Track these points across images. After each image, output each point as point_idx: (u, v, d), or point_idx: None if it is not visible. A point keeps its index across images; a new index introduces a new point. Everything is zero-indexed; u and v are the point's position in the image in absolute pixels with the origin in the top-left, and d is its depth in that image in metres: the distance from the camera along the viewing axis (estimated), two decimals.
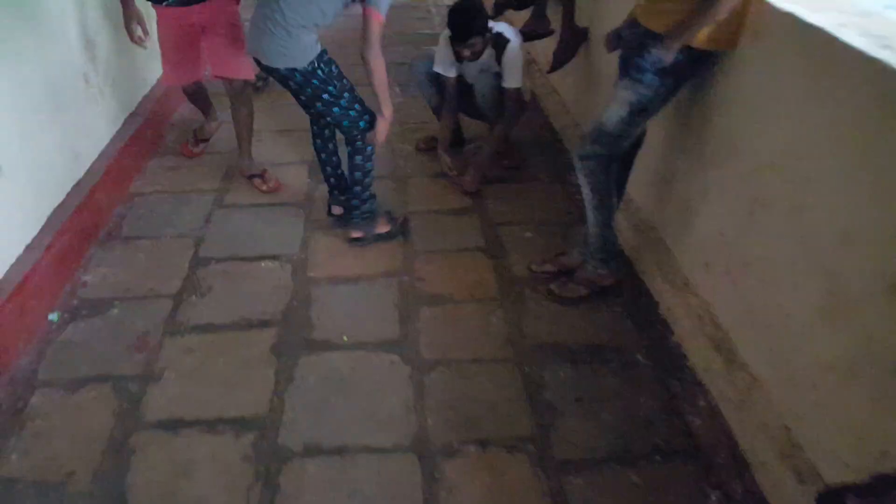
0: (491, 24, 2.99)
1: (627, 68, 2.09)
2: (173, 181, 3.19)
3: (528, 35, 3.56)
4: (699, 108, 2.19)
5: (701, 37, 1.93)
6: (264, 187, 3.10)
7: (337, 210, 2.91)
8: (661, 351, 2.23)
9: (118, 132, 3.16)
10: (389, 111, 2.53)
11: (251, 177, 3.14)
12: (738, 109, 1.99)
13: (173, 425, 1.95)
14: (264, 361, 2.18)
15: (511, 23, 4.27)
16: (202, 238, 2.78)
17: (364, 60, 2.35)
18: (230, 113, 3.07)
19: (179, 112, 3.82)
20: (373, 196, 2.77)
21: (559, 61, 3.35)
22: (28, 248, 2.32)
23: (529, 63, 4.28)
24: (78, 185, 2.72)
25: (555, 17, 3.46)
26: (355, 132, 2.55)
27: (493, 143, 3.15)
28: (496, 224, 2.93)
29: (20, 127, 2.32)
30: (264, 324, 2.33)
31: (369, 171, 2.68)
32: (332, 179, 2.86)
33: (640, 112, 2.11)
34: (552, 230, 2.88)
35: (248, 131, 3.08)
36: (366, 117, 2.53)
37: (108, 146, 3.03)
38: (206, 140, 3.42)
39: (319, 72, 2.37)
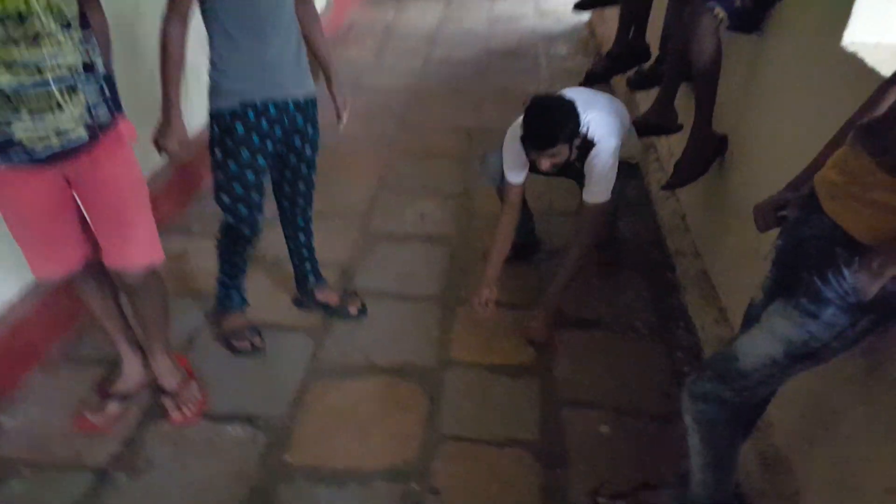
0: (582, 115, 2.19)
1: (796, 285, 1.23)
2: None
3: (646, 126, 2.71)
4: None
5: None
6: (176, 415, 1.95)
7: (329, 298, 2.40)
8: None
9: None
10: (169, 114, 1.78)
11: (162, 392, 1.99)
12: None
13: None
14: None
15: (632, 106, 3.46)
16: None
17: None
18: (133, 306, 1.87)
19: None
20: (223, 282, 2.18)
21: (683, 177, 2.45)
22: None
23: (648, 148, 3.40)
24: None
25: (686, 109, 2.59)
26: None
27: (565, 274, 2.32)
28: (561, 402, 2.09)
29: None
30: None
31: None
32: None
33: (805, 357, 1.24)
34: (641, 426, 2.00)
35: (164, 323, 1.93)
36: None
37: None
38: (127, 397, 1.99)
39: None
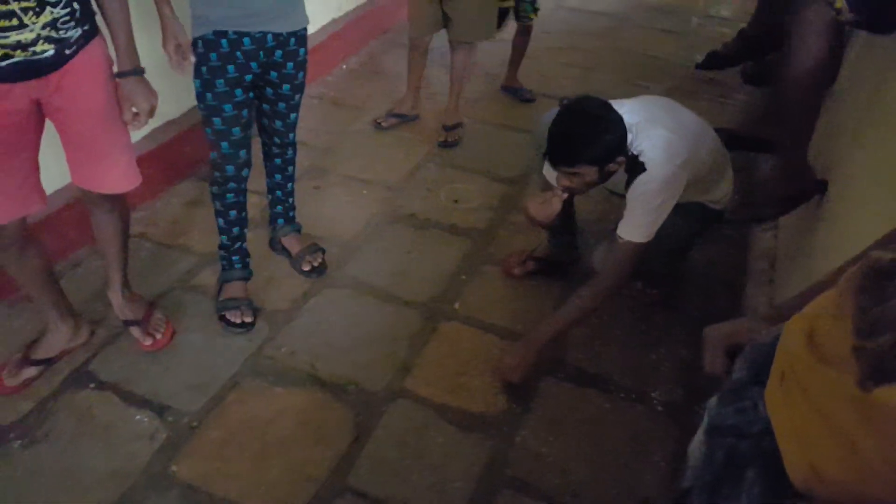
0: (638, 131, 1.69)
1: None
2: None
3: (739, 140, 2.07)
4: None
5: None
6: (147, 342, 1.93)
7: (291, 245, 2.28)
8: None
9: None
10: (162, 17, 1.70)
11: (128, 324, 1.96)
12: None
13: None
14: None
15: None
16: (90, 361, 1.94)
17: None
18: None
19: None
20: (222, 243, 2.09)
21: (746, 213, 1.83)
22: None
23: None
24: None
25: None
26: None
27: (563, 317, 1.85)
28: (504, 480, 1.68)
29: None
30: None
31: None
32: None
33: None
34: None
35: (121, 252, 1.86)
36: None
37: None
38: (47, 362, 1.87)
39: None
